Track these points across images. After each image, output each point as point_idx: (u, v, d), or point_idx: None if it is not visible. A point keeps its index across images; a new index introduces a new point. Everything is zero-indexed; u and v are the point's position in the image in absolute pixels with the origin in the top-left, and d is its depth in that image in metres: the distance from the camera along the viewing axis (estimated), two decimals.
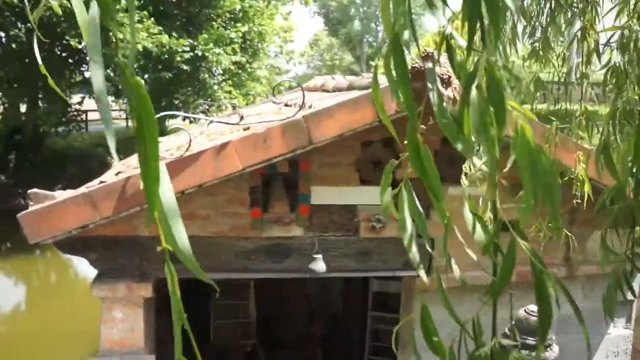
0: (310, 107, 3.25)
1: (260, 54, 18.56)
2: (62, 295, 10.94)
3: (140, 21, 13.76)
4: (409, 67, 3.04)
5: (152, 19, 14.15)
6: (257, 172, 3.19)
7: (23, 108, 17.29)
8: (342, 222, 3.54)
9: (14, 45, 14.27)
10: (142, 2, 14.19)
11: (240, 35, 16.31)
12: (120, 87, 14.50)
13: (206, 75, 16.05)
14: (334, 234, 3.55)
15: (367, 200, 3.54)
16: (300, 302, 6.48)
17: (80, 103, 17.82)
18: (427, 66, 2.93)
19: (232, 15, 16.95)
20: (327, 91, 5.07)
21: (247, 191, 3.30)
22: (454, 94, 3.19)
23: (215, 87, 16.55)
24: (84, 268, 12.76)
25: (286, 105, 4.12)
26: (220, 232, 3.34)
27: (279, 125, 2.99)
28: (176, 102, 16.91)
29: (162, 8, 15.60)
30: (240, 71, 17.45)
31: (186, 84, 15.99)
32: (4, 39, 15.09)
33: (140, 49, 13.61)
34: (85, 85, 16.71)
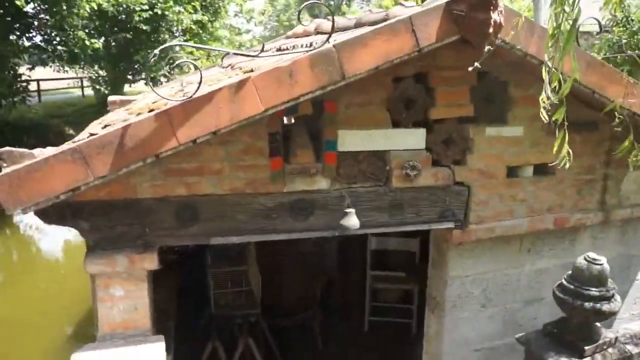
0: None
1: (222, 12, 17.69)
2: (28, 276, 10.23)
3: None
4: None
5: None
6: (277, 115, 2.69)
7: None
8: (372, 171, 3.08)
9: None
10: None
11: None
12: (75, 51, 13.55)
13: (167, 36, 15.19)
14: (363, 185, 3.09)
15: (399, 145, 3.08)
16: (295, 264, 6.05)
17: (30, 70, 16.68)
18: None
19: None
20: (324, 33, 4.54)
21: (265, 139, 2.79)
22: (500, 19, 2.72)
23: (177, 48, 15.68)
24: (47, 244, 12.07)
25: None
26: (236, 189, 2.83)
27: (307, 57, 2.47)
28: (136, 65, 16.04)
29: None
30: (201, 31, 16.61)
31: (146, 45, 15.09)
32: None
33: (95, 8, 12.67)
34: (36, 52, 15.58)
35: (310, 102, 2.75)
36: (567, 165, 2.23)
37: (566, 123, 2.17)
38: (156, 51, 2.59)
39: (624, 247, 4.15)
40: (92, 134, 2.47)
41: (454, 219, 3.37)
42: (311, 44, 3.21)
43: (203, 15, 15.80)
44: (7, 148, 2.43)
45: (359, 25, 3.88)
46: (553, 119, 2.21)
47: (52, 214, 2.60)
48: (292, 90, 2.47)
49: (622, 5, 10.65)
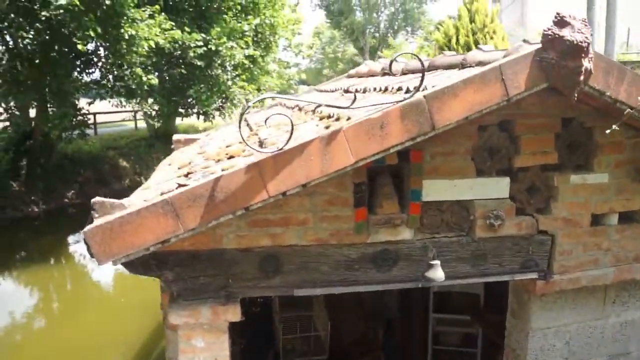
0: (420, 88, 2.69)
1: (272, 46, 17.98)
2: (82, 307, 10.38)
3: (151, 17, 13.18)
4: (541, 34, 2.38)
5: (163, 14, 13.56)
6: (363, 166, 2.64)
7: (32, 113, 16.71)
8: (455, 221, 2.99)
9: (21, 47, 13.69)
10: None
11: (253, 27, 15.73)
12: (132, 87, 13.93)
13: (219, 71, 15.47)
14: (446, 235, 3.01)
15: (484, 194, 3.00)
16: (356, 306, 5.95)
17: (90, 104, 17.23)
18: (562, 33, 2.37)
19: (242, 8, 16.37)
20: (389, 73, 4.52)
21: (350, 189, 2.75)
22: (590, 66, 2.63)
23: (229, 83, 15.98)
24: (99, 275, 12.27)
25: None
26: (320, 240, 2.79)
27: (398, 108, 2.43)
28: (189, 99, 16.37)
29: (171, 2, 15.03)
30: (252, 65, 16.88)
31: (199, 80, 15.40)
32: (10, 42, 14.51)
33: (153, 46, 13.03)
34: (95, 87, 16.10)
35: (396, 152, 2.70)
36: None
37: None
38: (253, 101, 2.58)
39: None
40: (181, 185, 2.47)
41: (537, 269, 3.25)
42: (399, 89, 3.18)
43: (255, 50, 16.07)
44: (99, 199, 2.44)
45: (432, 67, 3.84)
46: None
47: (138, 264, 2.60)
48: (382, 141, 2.42)
49: None
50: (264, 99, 3.59)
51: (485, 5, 15.76)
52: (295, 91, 20.62)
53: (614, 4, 17.93)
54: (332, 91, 5.07)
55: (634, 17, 22.06)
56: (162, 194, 2.43)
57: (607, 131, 2.75)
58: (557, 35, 2.57)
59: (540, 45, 2.67)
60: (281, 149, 2.36)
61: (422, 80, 2.53)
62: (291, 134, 2.37)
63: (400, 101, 2.45)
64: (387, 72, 4.64)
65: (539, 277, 3.25)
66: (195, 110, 17.07)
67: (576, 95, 2.67)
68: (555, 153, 3.09)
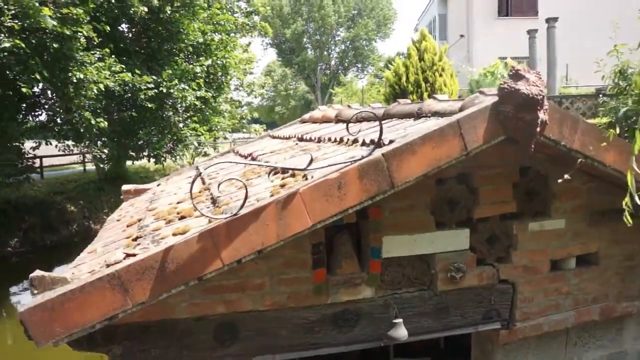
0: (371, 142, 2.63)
1: (224, 87, 17.89)
2: None
3: (101, 59, 12.94)
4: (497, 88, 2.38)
5: (113, 56, 13.33)
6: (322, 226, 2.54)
7: None
8: (416, 276, 2.92)
9: None
10: (101, 39, 13.36)
11: (204, 69, 15.63)
12: (81, 130, 13.54)
13: (170, 113, 15.25)
14: (408, 290, 2.92)
15: (444, 247, 2.93)
16: None
17: (35, 149, 16.65)
18: (518, 86, 2.36)
19: (194, 50, 16.29)
20: (344, 121, 4.48)
21: (308, 250, 2.64)
22: (545, 118, 2.64)
23: (181, 125, 15.76)
24: None
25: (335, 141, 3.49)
26: (278, 303, 2.66)
27: (356, 168, 2.35)
28: (140, 142, 16.05)
29: (122, 45, 14.82)
30: (204, 106, 16.73)
31: (150, 122, 15.14)
32: None
33: (102, 89, 12.75)
34: (40, 130, 15.61)
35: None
36: None
37: None
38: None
39: None
40: (129, 255, 2.31)
41: (500, 318, 3.20)
42: (354, 141, 3.12)
43: (206, 91, 15.94)
44: (38, 273, 2.26)
45: (388, 116, 3.81)
46: None
47: (83, 341, 2.41)
48: (341, 203, 2.33)
49: (625, 75, 10.83)
50: (217, 164, 3.47)
51: (433, 44, 16.13)
52: (247, 130, 20.48)
53: (553, 42, 18.68)
54: (287, 138, 4.99)
55: (571, 53, 23.05)
56: (108, 265, 2.27)
57: (559, 180, 2.73)
58: (513, 89, 2.57)
59: (495, 97, 2.66)
60: (235, 214, 2.24)
61: (379, 139, 2.46)
62: (245, 198, 2.25)
63: (358, 160, 2.37)
64: (340, 119, 4.60)
65: (501, 327, 3.20)
66: (146, 153, 16.72)
67: (533, 146, 2.66)
68: (513, 202, 3.08)
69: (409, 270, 2.89)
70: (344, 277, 2.69)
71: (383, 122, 3.73)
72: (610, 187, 3.23)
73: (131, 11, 13.89)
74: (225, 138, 21.08)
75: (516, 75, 2.62)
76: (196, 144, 16.47)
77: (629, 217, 2.35)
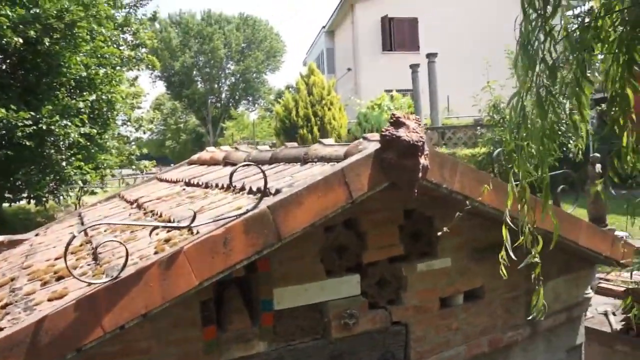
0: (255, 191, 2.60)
1: (111, 122, 17.21)
2: None
3: None
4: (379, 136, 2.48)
5: None
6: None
7: None
8: (309, 325, 2.89)
9: None
10: None
11: (89, 104, 14.96)
12: None
13: (52, 151, 14.40)
14: (302, 341, 2.88)
15: (336, 294, 2.93)
16: None
17: None
18: (399, 134, 2.45)
19: (77, 84, 15.55)
20: (235, 165, 4.43)
21: (196, 308, 2.53)
22: (427, 163, 2.75)
23: (64, 163, 14.92)
24: None
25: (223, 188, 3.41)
26: None
27: (241, 222, 2.30)
28: (18, 182, 15.01)
29: None
30: (89, 143, 15.96)
31: (29, 161, 14.21)
32: None
33: None
34: None
35: None
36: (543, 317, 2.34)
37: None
38: None
39: (550, 354, 4.20)
40: None
41: None
42: (242, 188, 3.07)
43: (91, 128, 15.23)
44: None
45: (274, 160, 3.81)
46: (533, 275, 2.35)
47: None
48: (227, 259, 2.27)
49: (498, 109, 11.71)
50: (93, 225, 3.30)
51: (321, 78, 16.55)
52: (136, 167, 19.77)
53: (434, 75, 19.75)
54: (174, 182, 4.85)
55: (451, 85, 24.44)
56: None
57: (445, 229, 2.87)
58: (394, 136, 2.65)
59: (378, 144, 2.73)
60: (116, 277, 2.11)
61: (264, 190, 2.43)
62: (126, 260, 2.13)
63: (243, 214, 2.33)
64: (229, 162, 4.54)
65: None
66: (25, 195, 15.65)
67: (416, 190, 2.75)
68: (400, 245, 3.15)
69: (302, 321, 2.85)
70: (235, 332, 2.61)
71: (270, 166, 3.72)
72: (490, 223, 3.39)
73: (4, 42, 13.06)
74: (113, 175, 20.23)
75: (396, 123, 2.70)
76: (81, 183, 15.65)
77: (504, 271, 2.50)
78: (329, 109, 16.26)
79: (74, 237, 2.00)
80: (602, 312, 6.06)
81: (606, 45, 2.01)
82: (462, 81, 23.82)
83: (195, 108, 52.64)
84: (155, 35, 29.66)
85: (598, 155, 6.91)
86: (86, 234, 3.59)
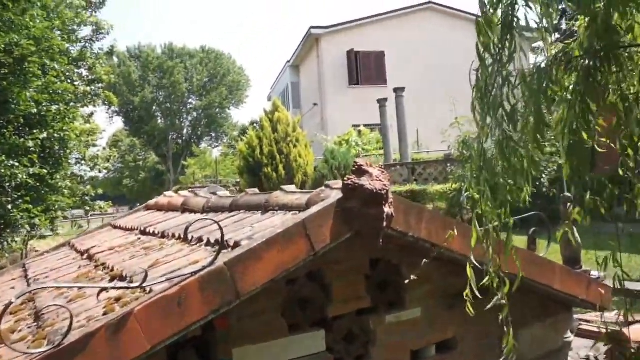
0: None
1: (63, 162, 16.91)
2: None
3: None
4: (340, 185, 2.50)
5: None
6: None
7: None
8: None
9: None
10: None
11: (39, 143, 14.69)
12: None
13: None
14: None
15: (300, 352, 2.88)
16: None
17: None
18: (362, 182, 2.47)
19: (26, 121, 15.28)
20: (194, 211, 4.39)
21: None
22: (391, 211, 2.76)
23: (10, 207, 14.54)
24: None
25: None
26: None
27: (196, 280, 2.26)
28: None
29: None
30: (39, 184, 15.63)
31: None
32: None
33: None
34: None
35: None
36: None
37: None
38: None
39: None
40: None
41: None
42: (199, 239, 3.03)
43: (42, 168, 14.93)
44: None
45: (235, 207, 3.79)
46: (501, 317, 2.50)
47: None
48: (181, 320, 2.22)
49: (467, 144, 11.93)
50: (37, 290, 3.20)
51: (286, 115, 16.63)
52: (91, 208, 19.38)
53: (403, 110, 20.05)
54: (129, 230, 4.76)
55: (420, 119, 24.85)
56: None
57: (412, 276, 2.87)
58: (357, 185, 2.65)
59: (340, 193, 2.73)
60: (58, 345, 2.03)
61: (221, 244, 2.40)
62: (70, 325, 2.06)
63: (199, 271, 2.29)
64: (187, 208, 4.49)
65: None
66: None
67: (381, 240, 2.75)
68: (367, 297, 3.13)
69: None
70: None
71: (230, 214, 3.69)
72: (461, 269, 3.39)
73: None
74: (65, 218, 19.78)
75: (359, 171, 2.72)
76: (29, 228, 15.25)
77: (471, 308, 2.51)
78: (295, 146, 16.33)
79: (11, 303, 1.93)
80: (584, 357, 6.08)
81: (562, 93, 2.08)
82: (431, 114, 24.34)
83: (155, 144, 52.22)
84: (112, 69, 29.57)
85: (569, 195, 7.02)
86: (29, 286, 3.48)
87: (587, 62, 2.08)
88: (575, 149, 2.06)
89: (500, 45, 2.00)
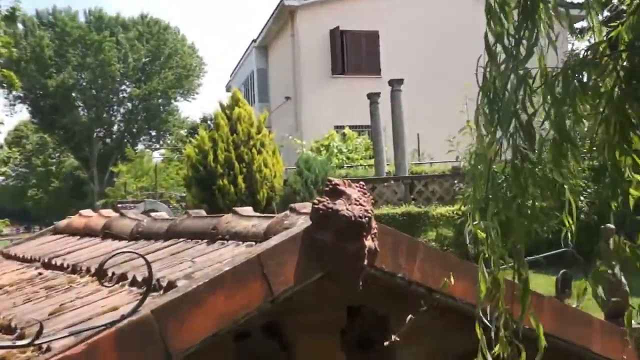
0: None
1: None
2: None
3: None
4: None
5: None
6: None
7: None
8: None
9: None
10: None
11: None
12: None
13: None
14: None
15: None
16: None
17: None
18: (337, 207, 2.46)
19: None
20: (119, 238, 4.35)
21: None
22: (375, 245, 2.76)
23: None
24: None
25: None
26: None
27: (112, 334, 2.22)
28: None
29: None
30: None
31: None
32: None
33: None
34: None
35: None
36: None
37: None
38: None
39: None
40: None
41: None
42: (122, 276, 2.99)
43: None
44: None
45: (173, 234, 3.77)
46: None
47: None
48: None
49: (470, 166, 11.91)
50: None
51: (249, 111, 16.49)
52: None
53: (400, 108, 20.04)
54: (29, 261, 4.71)
55: (423, 122, 24.76)
56: None
57: (398, 335, 2.86)
58: (330, 210, 2.63)
59: (309, 219, 2.72)
60: None
61: (148, 288, 2.37)
62: None
63: (117, 321, 2.25)
64: (110, 233, 4.45)
65: None
66: None
67: (361, 282, 2.73)
68: (343, 357, 3.11)
69: None
70: None
71: (166, 243, 3.67)
72: (468, 323, 3.40)
73: None
74: None
75: (334, 192, 2.70)
76: None
77: None
78: (259, 152, 16.31)
79: None
80: None
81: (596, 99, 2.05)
82: (437, 115, 24.32)
83: (74, 144, 51.44)
84: (14, 40, 29.25)
85: (612, 226, 6.93)
86: None
87: (630, 58, 2.07)
88: (609, 171, 2.06)
89: (517, 36, 2.00)
